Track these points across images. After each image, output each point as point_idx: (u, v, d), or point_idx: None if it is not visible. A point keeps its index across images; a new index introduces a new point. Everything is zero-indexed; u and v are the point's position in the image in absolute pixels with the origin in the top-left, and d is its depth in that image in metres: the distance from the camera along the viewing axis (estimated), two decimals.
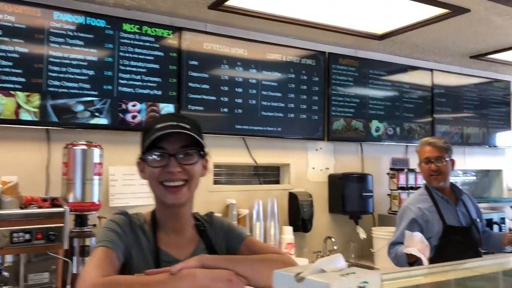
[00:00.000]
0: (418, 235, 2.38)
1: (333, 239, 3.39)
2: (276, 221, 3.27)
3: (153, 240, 1.30)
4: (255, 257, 1.31)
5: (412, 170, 3.75)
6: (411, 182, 3.72)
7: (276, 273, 0.95)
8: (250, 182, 3.47)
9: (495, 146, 4.68)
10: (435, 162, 2.71)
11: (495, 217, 3.96)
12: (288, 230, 3.27)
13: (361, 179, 3.55)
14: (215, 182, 3.24)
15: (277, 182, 3.59)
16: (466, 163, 4.51)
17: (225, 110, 3.18)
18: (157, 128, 1.26)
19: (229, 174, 3.43)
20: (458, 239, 2.62)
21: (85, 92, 2.72)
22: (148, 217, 1.36)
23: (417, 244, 2.33)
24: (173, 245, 1.33)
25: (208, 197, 3.12)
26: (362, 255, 3.54)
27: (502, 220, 3.98)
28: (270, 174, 3.58)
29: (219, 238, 1.41)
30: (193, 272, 1.14)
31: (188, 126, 1.28)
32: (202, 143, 1.30)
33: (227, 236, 1.42)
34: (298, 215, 3.34)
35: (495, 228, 3.82)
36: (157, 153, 1.26)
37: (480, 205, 4.09)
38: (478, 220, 2.79)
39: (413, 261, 2.36)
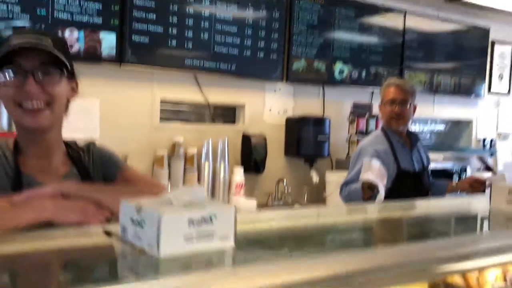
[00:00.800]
0: (376, 162, 2.30)
1: (285, 182, 3.33)
2: (227, 162, 3.18)
3: (14, 165, 1.19)
4: (125, 189, 1.22)
5: (374, 117, 3.64)
6: (372, 127, 3.61)
7: (123, 203, 0.87)
8: (201, 121, 3.35)
9: (467, 96, 4.56)
10: (399, 104, 2.64)
11: (457, 167, 3.90)
12: (239, 171, 3.19)
13: (319, 122, 3.44)
14: (162, 120, 3.11)
15: (231, 122, 3.47)
16: (435, 112, 4.40)
17: (174, 43, 3.00)
18: (13, 42, 1.13)
19: (177, 112, 3.30)
20: (410, 184, 2.63)
21: (15, 15, 2.53)
22: (11, 143, 1.24)
23: (375, 171, 2.25)
24: (39, 169, 1.22)
25: (153, 134, 3.00)
26: (314, 199, 3.49)
27: (464, 169, 3.93)
28: (224, 114, 3.46)
29: (96, 166, 1.31)
30: (42, 202, 1.04)
31: (49, 43, 1.15)
32: (66, 62, 1.17)
33: (105, 165, 1.32)
34: (251, 157, 3.25)
35: (455, 178, 3.78)
36: (11, 69, 1.13)
37: (446, 154, 4.05)
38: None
39: (368, 196, 2.27)
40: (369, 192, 2.23)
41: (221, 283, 0.70)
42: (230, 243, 0.82)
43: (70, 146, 1.32)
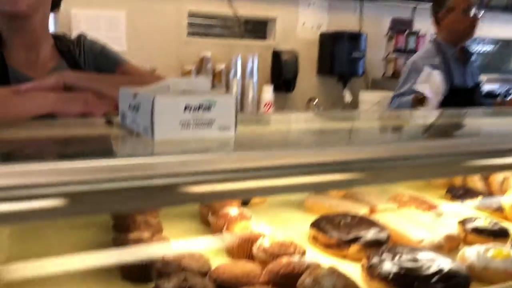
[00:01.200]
0: (437, 74, 2.18)
1: (316, 101, 3.23)
2: (256, 79, 3.09)
3: None
4: (126, 79, 1.15)
5: (414, 33, 3.41)
6: (411, 45, 3.40)
7: (121, 91, 0.84)
8: (230, 36, 3.22)
9: None
10: (477, 12, 2.45)
11: (502, 89, 3.68)
12: (268, 89, 3.11)
13: (354, 38, 3.25)
14: (190, 34, 3.01)
15: (262, 37, 3.33)
16: (484, 30, 4.08)
17: None
18: None
19: (206, 26, 3.18)
20: (462, 100, 2.47)
21: None
22: None
23: (433, 85, 2.14)
24: (26, 63, 1.16)
25: (181, 48, 2.92)
26: None
27: (509, 92, 3.69)
28: (254, 29, 3.31)
29: (88, 59, 1.24)
30: (43, 94, 1.00)
31: None
32: None
33: (98, 58, 1.25)
34: (281, 74, 3.14)
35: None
36: None
37: (491, 76, 3.81)
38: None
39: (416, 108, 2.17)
40: (419, 105, 2.15)
41: (217, 163, 0.66)
42: (230, 133, 0.77)
43: (59, 39, 1.24)
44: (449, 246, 1.10)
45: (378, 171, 0.78)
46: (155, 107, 0.71)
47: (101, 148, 0.79)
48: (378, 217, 1.22)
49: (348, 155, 0.77)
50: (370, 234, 1.10)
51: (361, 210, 1.28)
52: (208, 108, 0.75)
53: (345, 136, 1.14)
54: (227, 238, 1.04)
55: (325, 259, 1.04)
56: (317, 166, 0.73)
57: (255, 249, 0.98)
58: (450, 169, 0.87)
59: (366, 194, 1.41)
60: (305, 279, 0.82)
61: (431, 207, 1.33)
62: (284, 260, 0.89)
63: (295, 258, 0.90)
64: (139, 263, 0.89)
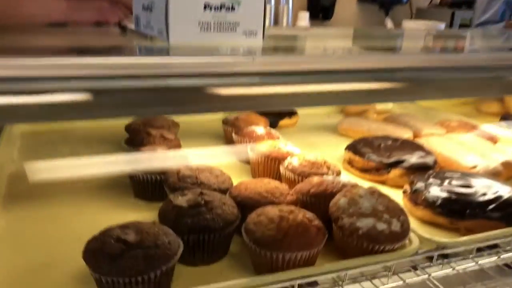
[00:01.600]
0: None
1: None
2: (291, 6, 2.88)
3: None
4: None
5: None
6: None
7: None
8: None
9: None
10: None
11: None
12: (304, 16, 2.90)
13: None
14: None
15: None
16: None
17: None
18: None
19: None
20: None
21: None
22: None
23: None
24: None
25: None
26: None
27: None
28: None
29: None
30: (52, 2, 0.90)
31: None
32: None
33: None
34: (318, 1, 2.92)
35: None
36: None
37: None
38: None
39: None
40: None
41: (242, 65, 0.55)
42: (257, 40, 0.65)
43: None
44: (507, 173, 0.96)
45: (420, 82, 0.66)
46: (169, 4, 0.59)
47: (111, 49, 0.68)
48: (423, 141, 1.08)
49: (387, 62, 0.67)
50: (414, 158, 0.97)
51: (405, 134, 1.14)
52: (231, 8, 0.63)
53: (385, 46, 0.99)
54: (252, 155, 0.93)
55: (361, 185, 0.93)
56: (354, 73, 0.63)
57: (282, 168, 0.86)
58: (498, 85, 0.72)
59: (410, 118, 1.27)
60: (340, 199, 0.70)
61: (484, 133, 1.17)
62: (316, 179, 0.78)
63: (329, 177, 0.78)
64: (151, 179, 0.80)
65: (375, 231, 0.65)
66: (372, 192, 0.71)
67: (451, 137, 1.13)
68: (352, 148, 1.02)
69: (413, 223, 0.74)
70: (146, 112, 0.76)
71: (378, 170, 0.96)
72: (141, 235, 0.57)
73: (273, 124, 1.28)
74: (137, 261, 0.54)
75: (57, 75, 0.47)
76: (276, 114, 1.30)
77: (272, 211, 0.65)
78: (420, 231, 0.73)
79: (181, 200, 0.67)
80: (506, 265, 0.80)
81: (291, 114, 1.31)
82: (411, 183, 0.88)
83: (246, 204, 0.71)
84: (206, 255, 0.65)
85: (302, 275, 0.61)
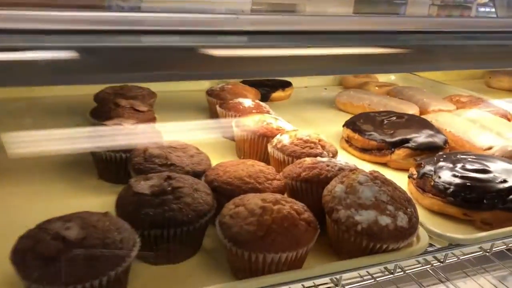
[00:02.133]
0: None
1: None
2: None
3: None
4: None
5: None
6: None
7: None
8: None
9: None
10: None
11: None
12: None
13: None
14: None
15: None
16: None
17: None
18: None
19: None
20: None
21: None
22: None
23: None
24: None
25: None
26: None
27: None
28: None
29: None
30: None
31: None
32: None
33: None
34: None
35: None
36: None
37: None
38: None
39: None
40: None
41: (222, 23, 0.45)
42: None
43: None
44: None
45: (425, 48, 0.56)
46: None
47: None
48: (431, 118, 0.96)
49: (389, 25, 0.59)
50: (421, 137, 0.85)
51: (410, 110, 1.02)
52: None
53: (388, 10, 0.87)
54: (237, 131, 0.81)
55: (360, 167, 0.82)
56: (355, 35, 0.53)
57: (270, 147, 0.75)
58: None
59: (416, 92, 1.14)
60: (335, 186, 0.58)
61: (498, 109, 1.05)
62: (308, 160, 0.66)
63: (323, 159, 0.66)
64: (114, 158, 0.68)
65: (377, 226, 0.54)
66: (375, 178, 0.59)
67: (462, 113, 1.01)
68: (351, 124, 0.90)
69: (420, 214, 0.62)
70: (116, 79, 0.64)
71: (380, 150, 0.85)
72: (87, 230, 0.46)
73: (265, 97, 1.16)
74: (77, 265, 0.43)
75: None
76: (268, 85, 1.18)
77: (253, 200, 0.53)
78: (428, 223, 0.62)
79: (143, 185, 0.55)
80: (509, 249, 0.70)
81: (285, 85, 1.19)
82: (418, 166, 0.76)
83: (224, 191, 0.59)
84: (172, 253, 0.54)
85: (286, 280, 0.50)
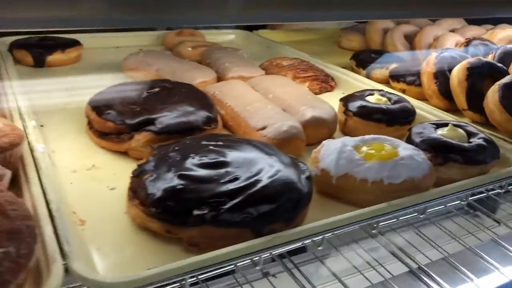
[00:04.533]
0: None
1: None
2: None
3: None
4: None
5: None
6: None
7: None
8: None
9: None
10: None
11: None
12: None
13: None
14: None
15: None
16: None
17: None
18: None
19: None
20: None
21: None
22: None
23: None
24: None
25: None
26: None
27: None
28: None
29: None
30: None
31: None
32: None
33: None
34: None
35: None
36: None
37: None
38: None
39: None
40: None
41: None
42: None
43: None
44: (313, 132, 0.66)
45: None
46: None
47: None
48: (217, 88, 0.76)
49: None
50: (172, 115, 0.64)
51: (204, 77, 0.80)
52: None
53: None
54: None
55: (99, 157, 0.60)
56: None
57: None
58: None
59: (226, 54, 0.93)
60: None
61: (319, 75, 0.87)
62: None
63: None
64: None
65: None
66: None
67: (262, 81, 0.81)
68: (94, 101, 0.68)
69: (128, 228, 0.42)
70: None
71: (119, 135, 0.64)
72: None
73: (39, 61, 0.91)
74: None
75: None
76: (43, 46, 0.93)
77: None
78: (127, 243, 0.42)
79: None
80: None
81: (67, 46, 0.94)
82: (150, 157, 0.56)
83: None
84: None
85: None
